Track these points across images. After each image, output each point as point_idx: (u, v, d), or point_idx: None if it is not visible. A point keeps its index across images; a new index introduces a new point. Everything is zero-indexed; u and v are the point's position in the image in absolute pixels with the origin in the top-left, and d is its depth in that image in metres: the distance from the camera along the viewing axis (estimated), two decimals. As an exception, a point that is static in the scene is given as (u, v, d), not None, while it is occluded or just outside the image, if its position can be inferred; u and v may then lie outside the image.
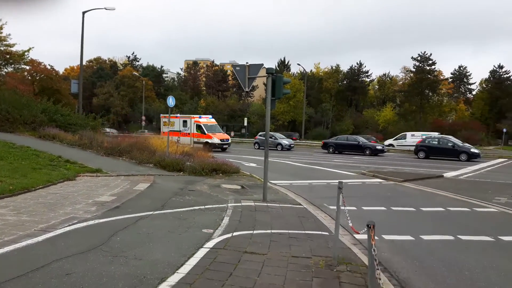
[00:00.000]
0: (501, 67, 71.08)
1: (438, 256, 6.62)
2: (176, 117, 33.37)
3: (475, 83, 76.71)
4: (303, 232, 7.49)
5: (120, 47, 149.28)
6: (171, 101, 17.08)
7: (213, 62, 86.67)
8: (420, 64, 67.76)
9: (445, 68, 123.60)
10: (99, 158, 17.09)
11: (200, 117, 33.01)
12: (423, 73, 66.77)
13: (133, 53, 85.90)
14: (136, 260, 5.47)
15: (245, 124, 56.32)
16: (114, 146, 18.34)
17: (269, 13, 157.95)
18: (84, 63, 43.43)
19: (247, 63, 10.99)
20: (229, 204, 9.64)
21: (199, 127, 31.58)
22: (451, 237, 7.67)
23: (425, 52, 67.64)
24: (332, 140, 35.98)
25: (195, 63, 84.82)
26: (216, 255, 5.80)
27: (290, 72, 73.56)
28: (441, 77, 70.59)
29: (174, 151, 17.58)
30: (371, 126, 60.49)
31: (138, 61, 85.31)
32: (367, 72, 75.78)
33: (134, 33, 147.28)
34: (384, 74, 78.26)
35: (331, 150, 33.27)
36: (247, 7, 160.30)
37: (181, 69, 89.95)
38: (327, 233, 7.47)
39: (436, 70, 68.65)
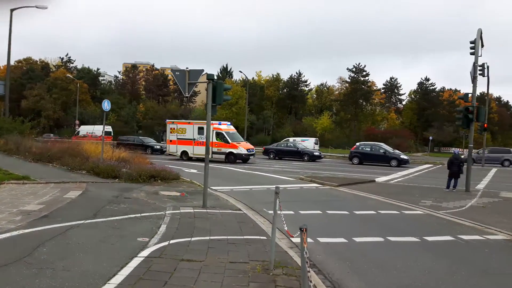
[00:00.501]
0: (427, 79, 76.88)
1: (369, 257, 6.95)
2: (189, 123, 29.57)
3: (405, 93, 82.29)
4: (242, 237, 7.51)
5: (53, 48, 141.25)
6: (106, 105, 16.46)
7: (153, 66, 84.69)
8: (355, 75, 71.30)
9: (378, 79, 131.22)
10: (26, 164, 16.01)
11: (219, 124, 28.52)
12: (358, 83, 70.34)
13: (67, 54, 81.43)
14: (64, 271, 5.16)
15: None
16: (43, 152, 17.29)
17: (213, 20, 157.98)
18: (12, 63, 40.51)
19: (187, 68, 10.92)
20: (167, 212, 9.42)
21: (219, 134, 27.35)
22: (381, 239, 8.09)
23: (359, 63, 71.39)
24: (272, 146, 36.66)
25: (134, 66, 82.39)
26: (151, 264, 5.64)
27: (233, 79, 73.99)
28: (374, 88, 74.79)
29: (109, 157, 16.90)
30: (309, 133, 62.41)
31: (72, 63, 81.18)
32: (306, 81, 78.38)
33: (69, 34, 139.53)
34: (322, 84, 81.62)
35: (272, 156, 33.87)
36: (190, 12, 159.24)
37: (119, 72, 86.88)
38: (265, 238, 7.54)
39: (369, 81, 72.64)
